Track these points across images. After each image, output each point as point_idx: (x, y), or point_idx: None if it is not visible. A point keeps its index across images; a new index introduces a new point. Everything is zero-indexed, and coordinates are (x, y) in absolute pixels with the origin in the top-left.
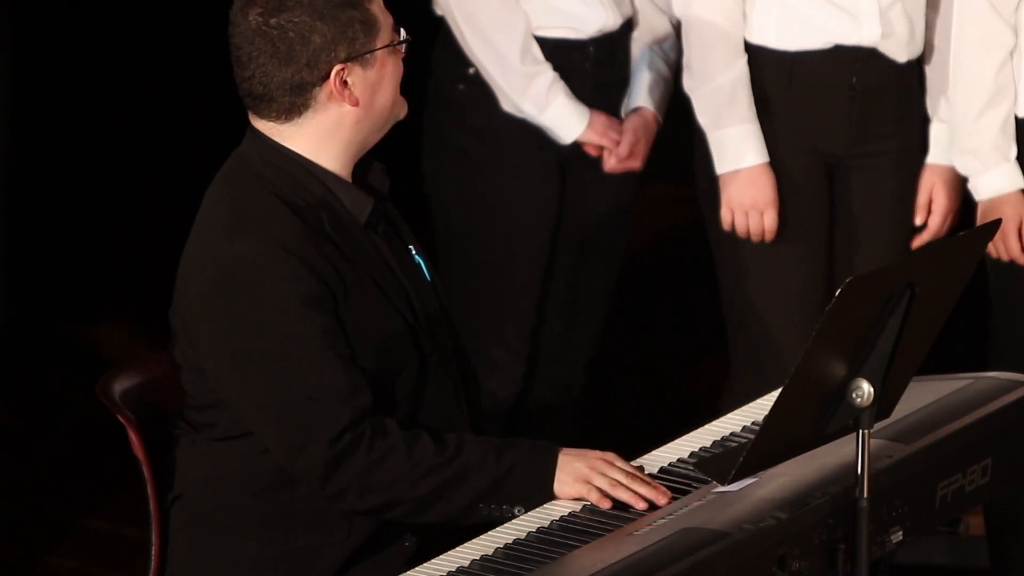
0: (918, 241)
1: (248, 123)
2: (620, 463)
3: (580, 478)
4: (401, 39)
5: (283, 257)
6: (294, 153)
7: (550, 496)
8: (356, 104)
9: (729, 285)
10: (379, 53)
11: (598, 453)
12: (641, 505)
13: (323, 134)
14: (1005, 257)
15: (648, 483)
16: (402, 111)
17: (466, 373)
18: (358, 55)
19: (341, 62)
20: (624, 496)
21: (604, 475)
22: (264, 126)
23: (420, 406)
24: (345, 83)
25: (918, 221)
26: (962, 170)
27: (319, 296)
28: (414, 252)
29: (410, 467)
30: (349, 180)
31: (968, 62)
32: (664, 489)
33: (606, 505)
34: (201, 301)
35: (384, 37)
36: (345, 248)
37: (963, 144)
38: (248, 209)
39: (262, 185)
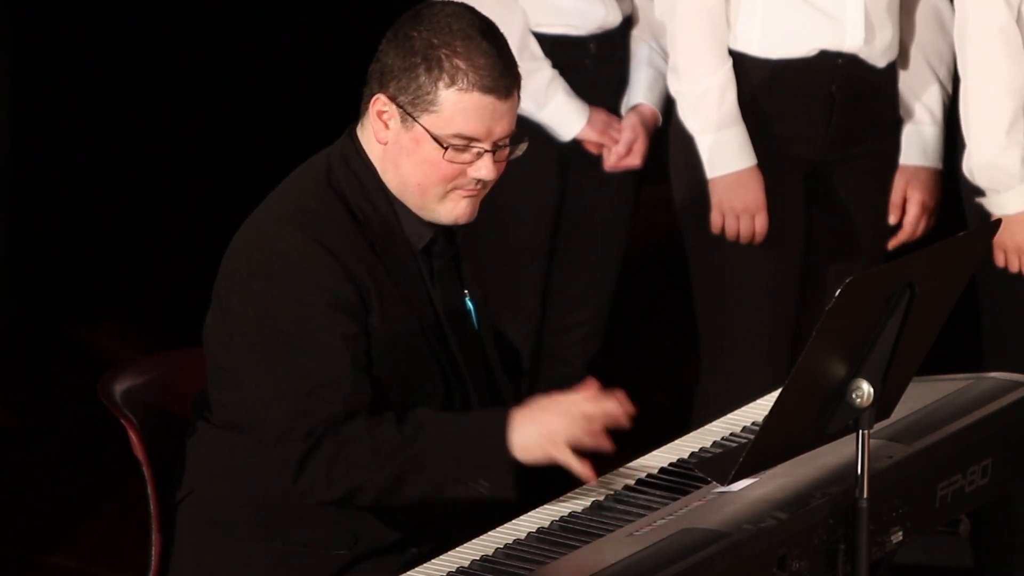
0: (894, 242)
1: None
2: (574, 408)
3: (542, 443)
4: (449, 144)
5: (324, 257)
6: (371, 163)
7: (509, 458)
8: (384, 144)
9: (702, 284)
10: (418, 128)
11: (548, 410)
12: (607, 446)
13: (377, 149)
14: (1015, 268)
15: (603, 416)
16: (442, 212)
17: None
18: (399, 106)
19: (388, 96)
20: (589, 445)
21: (563, 433)
22: (360, 122)
23: None
24: (384, 118)
25: (891, 220)
26: (986, 184)
27: (350, 303)
28: (467, 297)
29: (372, 452)
30: (415, 212)
31: (996, 75)
32: (617, 409)
33: (584, 473)
34: (239, 277)
35: (439, 124)
36: (391, 267)
37: (989, 159)
38: (310, 205)
39: (331, 185)
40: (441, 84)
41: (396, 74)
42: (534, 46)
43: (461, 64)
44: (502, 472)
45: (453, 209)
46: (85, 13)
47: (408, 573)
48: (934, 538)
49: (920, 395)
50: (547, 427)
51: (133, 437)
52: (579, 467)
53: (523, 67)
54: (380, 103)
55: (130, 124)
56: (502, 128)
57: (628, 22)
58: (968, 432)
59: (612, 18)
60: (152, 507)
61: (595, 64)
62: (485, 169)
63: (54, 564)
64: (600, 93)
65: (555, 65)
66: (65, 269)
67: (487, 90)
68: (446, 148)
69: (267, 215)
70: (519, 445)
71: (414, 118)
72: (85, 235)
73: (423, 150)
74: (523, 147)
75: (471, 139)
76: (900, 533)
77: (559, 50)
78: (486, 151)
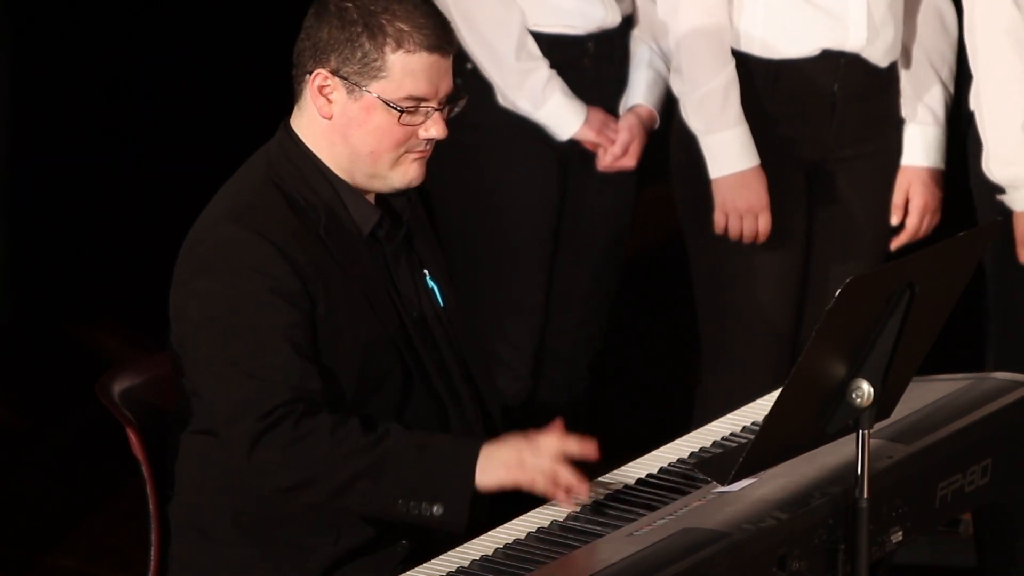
0: (896, 242)
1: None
2: (545, 444)
3: (510, 465)
4: (401, 107)
5: (265, 247)
6: (310, 151)
7: (471, 490)
8: (329, 118)
9: (704, 284)
10: (368, 96)
11: (523, 441)
12: (562, 499)
13: (318, 132)
14: None
15: (573, 463)
16: (395, 177)
17: (481, 402)
18: (343, 78)
19: (329, 70)
20: (544, 488)
21: (532, 461)
22: (294, 111)
23: (401, 422)
24: (326, 93)
25: (894, 221)
26: (1006, 181)
27: (292, 291)
28: (428, 277)
29: (331, 447)
30: (363, 193)
31: (1009, 73)
32: (583, 481)
33: (549, 493)
34: (184, 281)
35: (389, 89)
36: (337, 253)
37: (1007, 155)
38: (248, 199)
39: (270, 179)
40: (388, 49)
41: (336, 47)
42: (532, 46)
43: (404, 26)
44: (459, 501)
45: (406, 173)
46: (85, 13)
47: (408, 573)
48: (935, 538)
49: (920, 395)
50: (518, 453)
51: (132, 437)
52: (545, 492)
53: (521, 67)
54: (320, 78)
55: (130, 124)
56: (446, 85)
57: (628, 22)
58: (968, 432)
59: (611, 18)
60: (152, 507)
61: (594, 63)
62: (436, 128)
63: (54, 564)
64: (599, 92)
65: (553, 64)
66: (65, 269)
67: (433, 48)
68: (401, 112)
69: (206, 218)
70: (482, 468)
71: (362, 87)
72: (85, 235)
73: (375, 118)
74: (462, 103)
75: (421, 100)
76: (900, 533)
77: (557, 49)
78: (435, 110)
